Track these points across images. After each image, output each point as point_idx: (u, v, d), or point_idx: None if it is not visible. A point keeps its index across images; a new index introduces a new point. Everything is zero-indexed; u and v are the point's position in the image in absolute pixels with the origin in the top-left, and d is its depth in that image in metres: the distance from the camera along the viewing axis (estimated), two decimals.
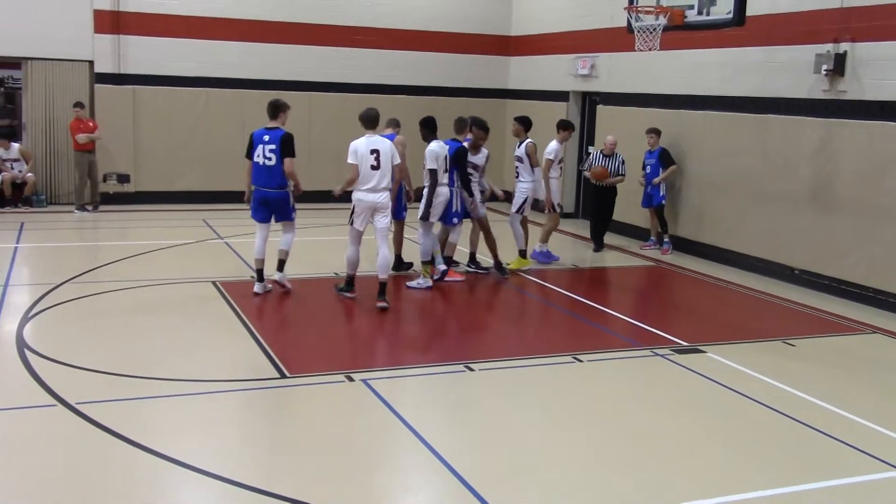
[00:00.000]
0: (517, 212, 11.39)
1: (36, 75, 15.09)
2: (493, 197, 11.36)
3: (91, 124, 14.84)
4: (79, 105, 14.75)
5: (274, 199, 9.40)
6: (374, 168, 9.04)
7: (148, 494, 4.92)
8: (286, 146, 9.17)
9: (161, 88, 15.64)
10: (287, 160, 9.17)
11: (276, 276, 9.67)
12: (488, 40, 17.80)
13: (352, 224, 9.26)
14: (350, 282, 9.54)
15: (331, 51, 16.53)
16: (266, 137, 9.23)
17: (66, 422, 5.82)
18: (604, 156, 13.12)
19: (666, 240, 13.12)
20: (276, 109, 9.32)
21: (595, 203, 13.44)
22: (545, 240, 12.05)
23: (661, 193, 12.97)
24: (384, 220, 9.23)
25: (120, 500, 4.84)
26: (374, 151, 9.06)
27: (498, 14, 17.85)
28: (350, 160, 9.06)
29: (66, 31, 15.01)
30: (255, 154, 9.29)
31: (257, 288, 9.51)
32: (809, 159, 10.94)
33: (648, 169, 13.07)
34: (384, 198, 9.16)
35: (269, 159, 9.19)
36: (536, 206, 12.00)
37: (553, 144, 11.77)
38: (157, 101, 15.65)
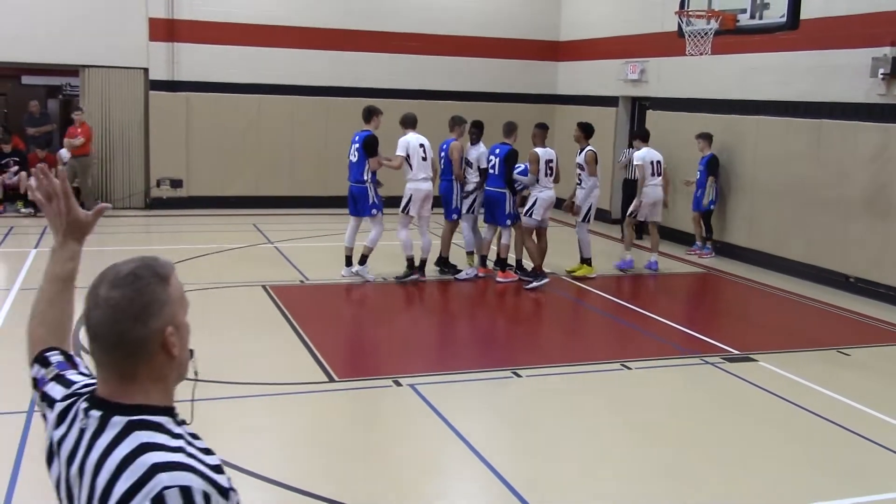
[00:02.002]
0: (584, 220, 11.21)
1: (93, 82, 15.42)
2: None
3: (79, 130, 14.83)
4: (76, 110, 14.98)
5: (354, 193, 10.39)
6: (424, 160, 10.36)
7: None
8: (367, 146, 10.18)
9: (214, 95, 15.88)
10: (370, 159, 10.19)
11: (356, 268, 10.48)
12: (537, 45, 17.76)
13: (406, 212, 10.39)
14: (411, 265, 10.48)
15: (381, 57, 16.62)
16: (356, 138, 10.38)
17: None
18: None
19: (707, 245, 13.08)
20: (370, 114, 10.41)
21: (627, 195, 14.25)
22: (629, 246, 11.98)
23: (710, 199, 12.86)
24: (429, 209, 10.53)
25: None
26: (422, 145, 10.38)
27: (547, 19, 17.80)
28: (399, 152, 10.32)
29: (122, 40, 15.31)
30: (349, 152, 10.44)
31: (343, 272, 10.59)
32: (865, 165, 10.72)
33: (698, 175, 12.95)
34: (431, 186, 10.47)
35: (354, 156, 10.32)
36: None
37: (641, 152, 11.67)
38: (210, 107, 15.89)
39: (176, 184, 15.95)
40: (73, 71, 15.95)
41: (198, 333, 7.24)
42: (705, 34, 11.14)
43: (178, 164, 15.88)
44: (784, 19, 10.56)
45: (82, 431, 1.74)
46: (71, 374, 1.95)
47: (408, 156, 10.33)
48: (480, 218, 11.06)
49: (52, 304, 2.10)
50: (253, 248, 12.60)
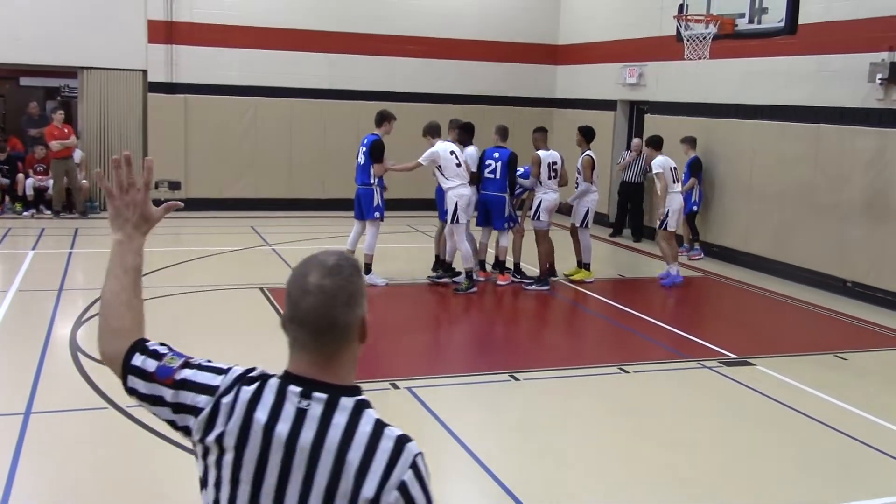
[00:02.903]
0: (583, 225, 11.19)
1: (91, 84, 15.42)
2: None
3: (66, 130, 14.85)
4: (58, 110, 14.96)
5: (359, 195, 10.37)
6: (458, 165, 10.22)
7: (195, 496, 4.98)
8: (372, 151, 10.17)
9: (212, 97, 15.88)
10: (375, 165, 10.16)
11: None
12: (536, 49, 17.77)
13: (457, 221, 10.19)
14: (469, 275, 10.38)
15: (379, 60, 16.63)
16: (365, 140, 10.37)
17: (117, 424, 5.92)
18: (635, 157, 14.59)
19: (696, 247, 13.18)
20: (381, 118, 10.34)
21: (622, 197, 15.07)
22: (672, 260, 11.28)
23: (693, 201, 13.00)
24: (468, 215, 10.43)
25: (168, 501, 4.90)
26: (453, 152, 10.27)
27: (545, 23, 17.81)
28: (422, 160, 10.26)
29: (121, 42, 15.31)
30: (357, 154, 10.45)
31: None
32: (863, 169, 10.73)
33: (682, 177, 12.97)
34: (470, 191, 10.36)
35: (361, 159, 10.33)
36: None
37: (659, 160, 11.33)
38: (208, 109, 15.88)
39: (174, 186, 15.92)
40: (71, 73, 15.95)
41: (195, 336, 7.29)
42: (704, 38, 11.17)
43: (176, 166, 15.86)
44: (782, 24, 10.59)
45: (302, 412, 1.85)
46: (205, 362, 2.00)
47: (439, 166, 10.22)
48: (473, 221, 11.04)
49: (135, 295, 2.11)
50: (251, 250, 12.59)
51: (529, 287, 10.64)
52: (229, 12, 15.76)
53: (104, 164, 15.69)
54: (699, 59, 11.36)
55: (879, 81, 10.28)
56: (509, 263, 11.09)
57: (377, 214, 10.29)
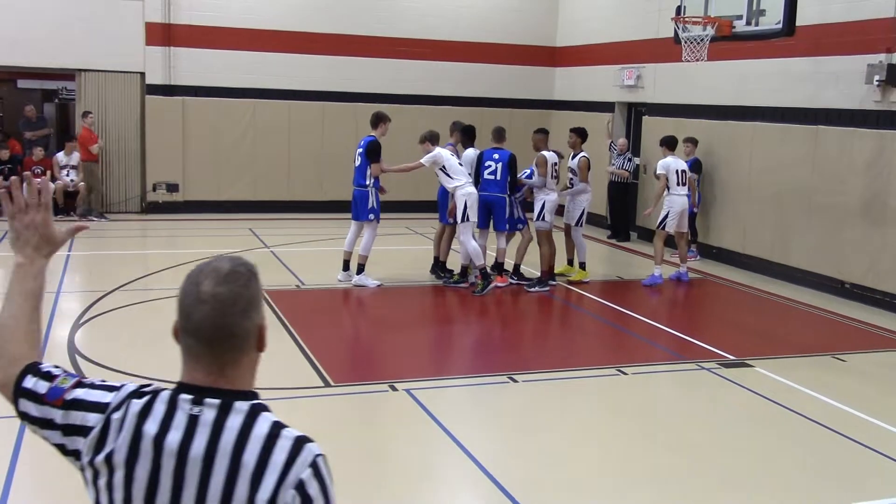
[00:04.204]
0: (577, 224, 11.23)
1: (89, 86, 15.40)
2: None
3: (95, 134, 14.97)
4: (88, 114, 15.02)
5: (355, 196, 10.43)
6: (461, 165, 10.41)
7: None
8: (369, 152, 10.21)
9: (210, 99, 15.86)
10: (372, 165, 10.18)
11: (354, 279, 10.37)
12: (534, 51, 17.79)
13: (468, 219, 10.19)
14: (485, 275, 10.42)
15: (377, 62, 16.63)
16: (362, 142, 10.44)
17: None
18: (617, 154, 14.71)
19: (692, 248, 13.19)
20: (378, 120, 10.40)
21: (611, 196, 15.06)
22: (659, 262, 11.40)
23: (692, 202, 12.98)
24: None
25: None
26: (454, 153, 10.52)
27: (543, 25, 17.83)
28: (424, 161, 10.29)
29: (119, 44, 15.29)
30: (355, 156, 10.53)
31: (340, 276, 10.59)
32: (861, 171, 10.74)
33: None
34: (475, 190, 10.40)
35: (357, 160, 10.39)
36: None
37: (666, 160, 11.38)
38: (207, 111, 15.87)
39: (172, 188, 15.93)
40: (69, 75, 15.94)
41: None
42: (701, 40, 11.17)
43: (174, 168, 15.86)
44: (780, 26, 10.59)
45: (194, 418, 1.78)
46: (98, 381, 1.94)
47: (443, 167, 10.24)
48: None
49: (32, 321, 2.03)
50: (249, 252, 12.58)
51: (532, 289, 10.63)
52: (227, 14, 15.75)
53: (103, 166, 15.68)
54: (697, 60, 11.36)
55: (877, 83, 10.29)
56: (510, 265, 11.09)
57: (371, 216, 10.27)
